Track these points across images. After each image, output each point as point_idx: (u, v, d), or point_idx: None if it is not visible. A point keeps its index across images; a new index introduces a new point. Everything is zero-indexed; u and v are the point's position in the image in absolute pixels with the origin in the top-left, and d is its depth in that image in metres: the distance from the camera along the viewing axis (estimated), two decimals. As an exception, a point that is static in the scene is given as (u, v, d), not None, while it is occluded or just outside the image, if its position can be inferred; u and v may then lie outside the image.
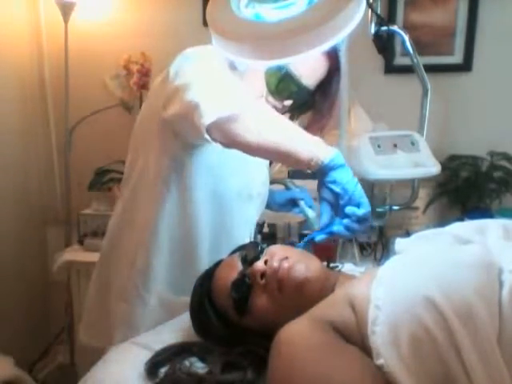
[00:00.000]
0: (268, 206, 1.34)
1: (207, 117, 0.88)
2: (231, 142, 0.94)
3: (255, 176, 1.21)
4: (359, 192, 0.92)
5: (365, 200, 0.93)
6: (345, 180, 0.92)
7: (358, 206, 0.92)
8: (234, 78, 1.02)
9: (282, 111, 1.17)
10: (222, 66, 1.01)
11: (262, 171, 1.26)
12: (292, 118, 1.25)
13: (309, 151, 0.93)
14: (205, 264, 1.07)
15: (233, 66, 1.11)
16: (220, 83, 0.96)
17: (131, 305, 1.13)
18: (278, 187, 1.36)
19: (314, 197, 1.21)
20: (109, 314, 1.18)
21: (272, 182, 1.31)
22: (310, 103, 1.18)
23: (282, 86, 1.10)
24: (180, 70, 1.00)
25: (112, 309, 1.17)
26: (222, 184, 1.13)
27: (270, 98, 1.13)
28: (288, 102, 1.14)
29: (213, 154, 1.08)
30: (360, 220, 0.92)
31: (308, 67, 1.12)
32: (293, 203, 1.31)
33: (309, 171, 0.95)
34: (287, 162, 1.04)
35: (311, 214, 1.17)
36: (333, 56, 1.14)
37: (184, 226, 1.12)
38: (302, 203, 1.23)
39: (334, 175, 0.92)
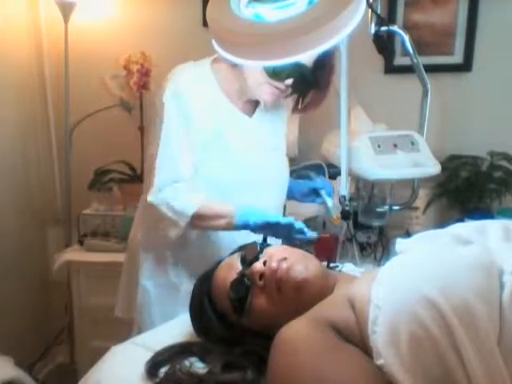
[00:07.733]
0: (292, 197, 1.38)
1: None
2: None
3: (270, 161, 1.31)
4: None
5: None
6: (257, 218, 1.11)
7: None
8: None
9: (286, 92, 1.20)
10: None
11: (280, 156, 1.36)
12: (298, 103, 1.28)
13: (223, 218, 1.15)
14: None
15: (231, 63, 1.12)
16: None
17: (162, 289, 1.30)
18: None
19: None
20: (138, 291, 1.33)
21: (295, 173, 1.34)
22: (312, 81, 1.18)
23: (279, 67, 1.11)
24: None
25: (142, 288, 1.31)
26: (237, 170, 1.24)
27: (272, 81, 1.15)
28: (289, 81, 1.16)
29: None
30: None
31: None
32: (316, 193, 1.35)
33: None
34: (214, 230, 1.22)
35: (330, 202, 1.22)
36: None
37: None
38: (322, 192, 1.27)
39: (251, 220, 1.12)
